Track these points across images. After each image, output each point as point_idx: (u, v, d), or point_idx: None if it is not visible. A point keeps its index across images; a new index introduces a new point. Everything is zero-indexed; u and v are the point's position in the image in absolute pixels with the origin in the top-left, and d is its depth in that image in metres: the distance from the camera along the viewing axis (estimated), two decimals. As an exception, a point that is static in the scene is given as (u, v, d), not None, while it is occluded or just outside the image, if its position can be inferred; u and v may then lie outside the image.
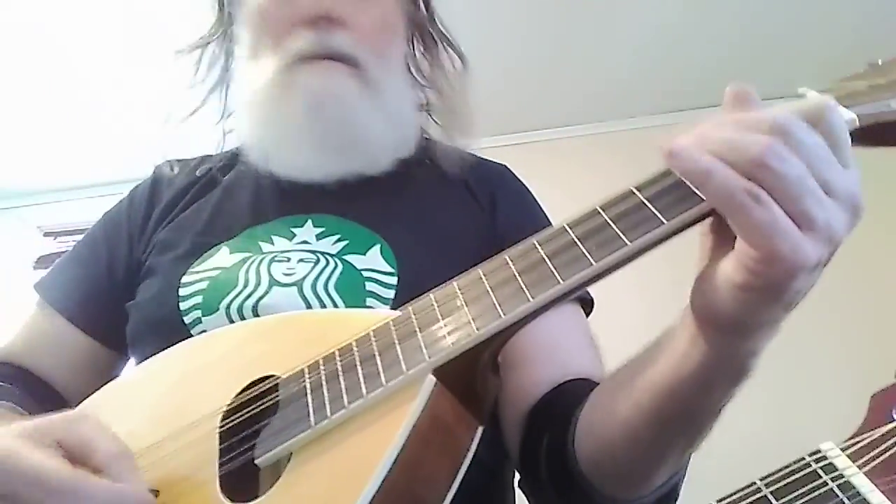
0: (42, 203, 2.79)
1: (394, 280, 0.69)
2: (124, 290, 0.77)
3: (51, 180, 2.65)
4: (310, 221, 0.76)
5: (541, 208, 0.83)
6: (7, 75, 2.17)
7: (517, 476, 0.67)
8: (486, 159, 0.87)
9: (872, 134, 0.45)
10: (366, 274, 0.70)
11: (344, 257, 0.72)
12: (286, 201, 0.78)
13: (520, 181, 0.85)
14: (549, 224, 0.79)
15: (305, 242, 0.74)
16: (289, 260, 0.71)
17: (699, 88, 2.46)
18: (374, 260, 0.71)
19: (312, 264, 0.71)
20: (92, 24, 2.01)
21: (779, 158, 0.36)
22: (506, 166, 0.87)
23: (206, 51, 0.86)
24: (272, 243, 0.74)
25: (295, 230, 0.75)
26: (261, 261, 0.71)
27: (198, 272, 0.72)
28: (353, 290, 0.68)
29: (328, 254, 0.72)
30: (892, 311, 2.12)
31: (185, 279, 0.71)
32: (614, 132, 2.67)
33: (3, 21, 1.96)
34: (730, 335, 0.42)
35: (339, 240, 0.74)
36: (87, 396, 0.62)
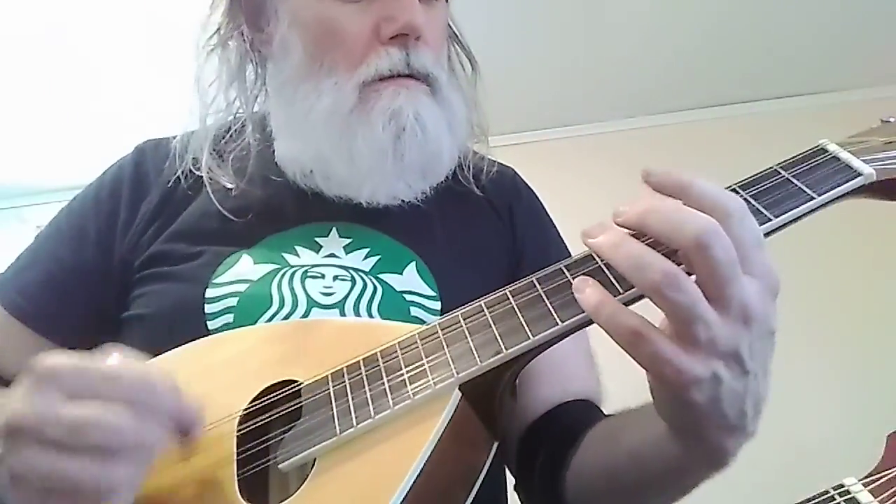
0: (42, 203, 2.71)
1: (437, 305, 0.68)
2: (98, 293, 0.72)
3: (51, 180, 2.59)
4: (335, 230, 0.73)
5: (549, 216, 0.84)
6: (7, 75, 2.14)
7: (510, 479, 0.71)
8: (499, 164, 0.85)
9: (888, 188, 0.48)
10: (408, 298, 0.68)
11: (380, 276, 0.69)
12: (305, 206, 0.74)
13: (529, 186, 0.86)
14: (558, 233, 0.83)
15: (334, 256, 0.70)
16: (323, 277, 0.68)
17: (695, 88, 2.54)
18: (412, 280, 0.69)
19: (350, 283, 0.68)
20: (93, 24, 1.99)
21: (673, 289, 0.39)
22: (514, 170, 0.87)
23: (224, 49, 0.78)
24: (297, 255, 0.70)
25: (320, 240, 0.72)
26: (292, 275, 0.68)
27: (222, 285, 0.67)
28: (397, 315, 0.66)
29: (361, 271, 0.69)
30: None
31: (209, 293, 0.66)
32: (611, 132, 2.69)
33: (4, 21, 1.93)
34: (681, 436, 0.47)
35: (369, 254, 0.71)
36: None
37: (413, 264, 0.70)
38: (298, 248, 0.71)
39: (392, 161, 0.68)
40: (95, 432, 0.40)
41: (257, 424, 0.52)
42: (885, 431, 0.39)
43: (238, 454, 0.51)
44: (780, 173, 0.50)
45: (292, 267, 0.69)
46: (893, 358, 2.19)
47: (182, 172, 0.75)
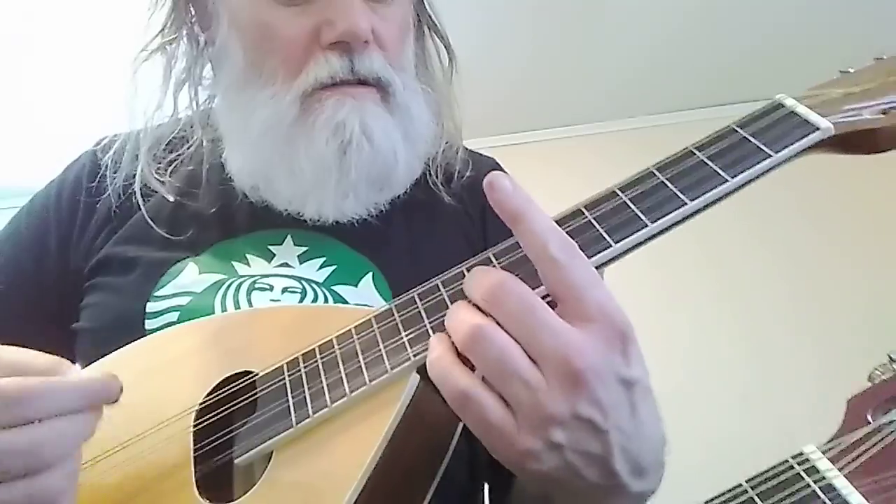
0: None
1: None
2: (56, 301, 0.70)
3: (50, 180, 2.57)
4: (290, 238, 0.68)
5: None
6: (7, 75, 2.09)
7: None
8: (475, 155, 0.80)
9: (846, 142, 0.47)
10: None
11: (333, 288, 0.65)
12: (257, 212, 0.69)
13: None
14: None
15: (287, 265, 0.66)
16: (271, 289, 0.64)
17: (698, 88, 2.55)
18: (367, 293, 0.65)
19: (299, 296, 0.64)
20: (92, 23, 1.94)
21: (475, 349, 0.38)
22: (494, 161, 0.82)
23: (170, 50, 0.72)
24: (248, 264, 0.66)
25: (273, 248, 0.68)
26: (238, 286, 0.64)
27: (163, 298, 0.63)
28: None
29: (314, 282, 0.65)
30: (864, 319, 2.21)
31: (150, 307, 0.63)
32: (611, 132, 2.69)
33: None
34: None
35: (325, 264, 0.67)
36: None
37: (370, 276, 0.66)
38: (250, 257, 0.67)
39: (337, 178, 0.63)
40: (8, 460, 0.39)
41: (214, 419, 0.50)
42: (845, 396, 0.38)
43: (195, 450, 0.49)
44: (736, 132, 0.48)
45: (240, 277, 0.65)
46: (852, 325, 2.23)
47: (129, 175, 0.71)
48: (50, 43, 2.01)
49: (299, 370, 0.49)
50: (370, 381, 0.46)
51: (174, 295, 0.64)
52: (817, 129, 0.46)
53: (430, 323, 0.47)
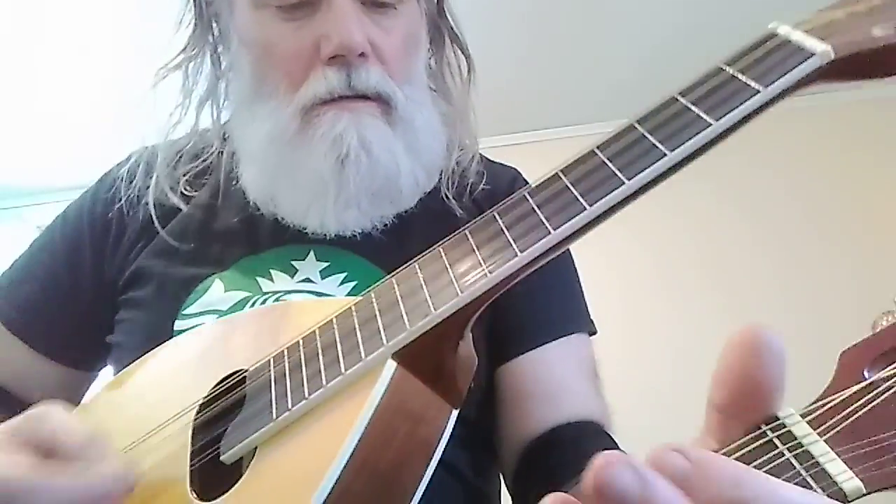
0: (42, 203, 2.68)
1: None
2: (90, 312, 0.72)
3: (51, 180, 2.56)
4: (312, 253, 0.69)
5: None
6: (7, 74, 2.16)
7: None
8: (496, 165, 0.79)
9: (849, 66, 0.41)
10: None
11: None
12: (280, 227, 0.70)
13: None
14: None
15: (309, 281, 0.67)
16: None
17: None
18: None
19: None
20: (92, 22, 2.00)
21: None
22: (517, 172, 0.80)
23: (191, 66, 0.74)
24: (272, 280, 0.67)
25: (296, 264, 0.68)
26: (262, 304, 0.65)
27: (191, 316, 0.65)
28: None
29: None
30: (866, 260, 2.10)
31: (178, 325, 0.65)
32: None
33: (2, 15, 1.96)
34: None
35: (346, 279, 0.67)
36: None
37: None
38: (273, 272, 0.68)
39: (336, 190, 0.63)
40: None
41: (209, 416, 0.51)
42: (838, 349, 0.32)
43: (192, 445, 0.50)
44: (724, 70, 0.43)
45: (264, 294, 0.66)
46: (846, 321, 2.09)
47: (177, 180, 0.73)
48: (53, 43, 2.06)
49: (283, 363, 0.49)
50: (345, 370, 0.45)
51: (201, 313, 0.66)
52: (813, 54, 0.40)
53: (404, 306, 0.45)
